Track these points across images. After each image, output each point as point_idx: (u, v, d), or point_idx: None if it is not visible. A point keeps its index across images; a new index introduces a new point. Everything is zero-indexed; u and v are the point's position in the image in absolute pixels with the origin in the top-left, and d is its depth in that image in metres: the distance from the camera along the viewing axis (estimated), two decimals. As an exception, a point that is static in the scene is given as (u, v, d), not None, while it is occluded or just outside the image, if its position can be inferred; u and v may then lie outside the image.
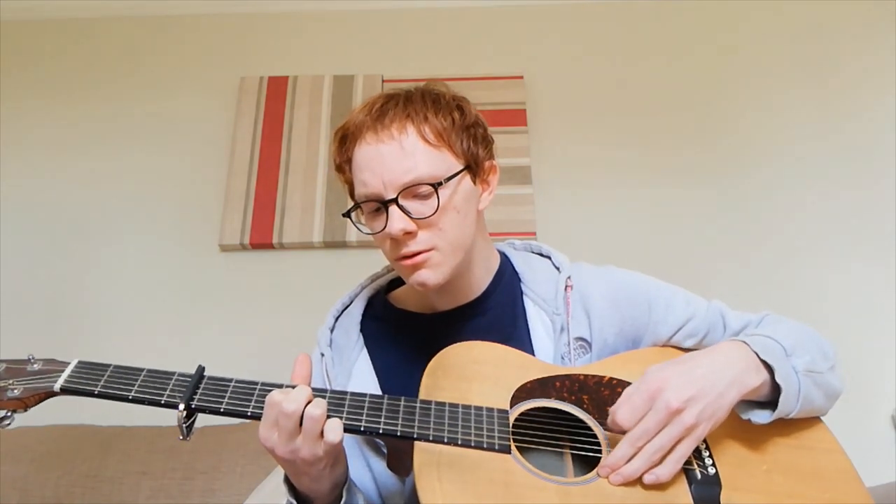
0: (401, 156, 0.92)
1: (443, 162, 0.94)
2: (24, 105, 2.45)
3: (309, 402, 0.81)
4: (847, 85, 2.44)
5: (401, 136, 0.92)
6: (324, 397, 0.85)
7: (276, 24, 2.60)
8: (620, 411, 0.85)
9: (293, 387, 0.83)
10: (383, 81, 2.45)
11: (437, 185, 0.91)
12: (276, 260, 2.22)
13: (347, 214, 0.99)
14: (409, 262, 0.95)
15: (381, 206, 0.93)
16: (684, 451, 0.84)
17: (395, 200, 0.92)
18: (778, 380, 0.89)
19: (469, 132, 0.98)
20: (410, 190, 0.92)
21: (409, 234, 0.93)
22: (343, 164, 0.99)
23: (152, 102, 2.45)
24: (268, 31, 2.59)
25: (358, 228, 1.00)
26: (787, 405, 0.90)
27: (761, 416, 0.91)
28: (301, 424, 0.80)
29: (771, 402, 0.92)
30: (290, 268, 2.20)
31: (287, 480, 0.90)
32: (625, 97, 2.45)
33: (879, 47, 2.48)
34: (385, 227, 0.92)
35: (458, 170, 0.95)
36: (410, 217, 0.92)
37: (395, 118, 0.93)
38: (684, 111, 2.42)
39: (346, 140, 0.98)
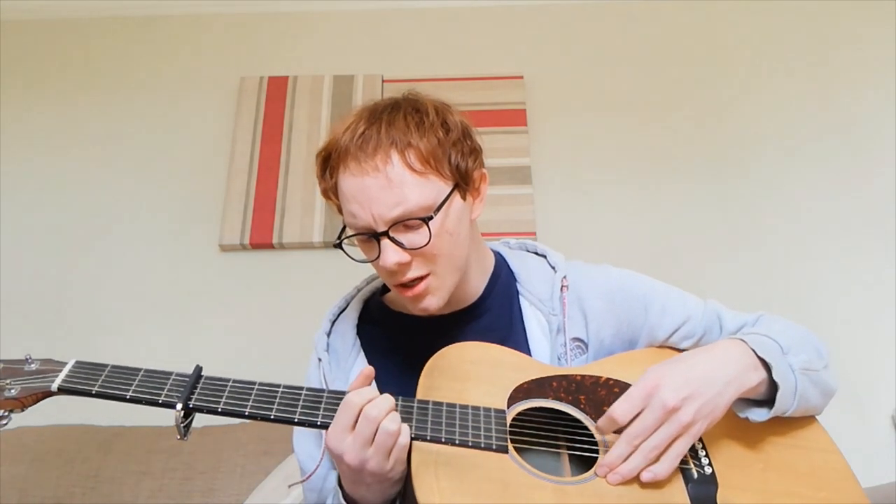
0: (387, 189, 0.88)
1: (431, 189, 0.90)
2: (24, 105, 2.45)
3: (390, 412, 0.81)
4: (847, 83, 2.43)
5: (386, 168, 0.88)
6: (321, 397, 0.85)
7: (276, 24, 2.60)
8: (617, 408, 0.85)
9: (340, 393, 0.84)
10: (383, 81, 2.45)
11: (427, 219, 0.89)
12: (276, 260, 2.22)
13: (339, 245, 0.97)
14: (409, 292, 0.94)
15: (373, 237, 0.92)
16: (681, 448, 0.84)
17: (386, 234, 0.90)
18: (775, 377, 0.90)
19: (456, 148, 0.94)
20: (399, 223, 0.90)
21: (406, 264, 0.91)
22: (328, 191, 0.97)
23: (152, 102, 2.45)
24: (268, 31, 2.59)
25: (351, 258, 0.97)
26: (784, 403, 0.90)
27: (758, 414, 0.92)
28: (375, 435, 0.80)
29: (768, 401, 0.92)
30: (290, 268, 2.20)
31: (339, 482, 0.90)
32: (624, 97, 2.44)
33: (879, 47, 2.48)
34: (378, 257, 0.92)
35: (447, 193, 0.92)
36: (403, 248, 0.90)
37: (378, 146, 0.89)
38: (684, 111, 2.41)
39: (328, 163, 0.95)
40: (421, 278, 0.93)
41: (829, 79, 2.45)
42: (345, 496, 0.90)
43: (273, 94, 2.43)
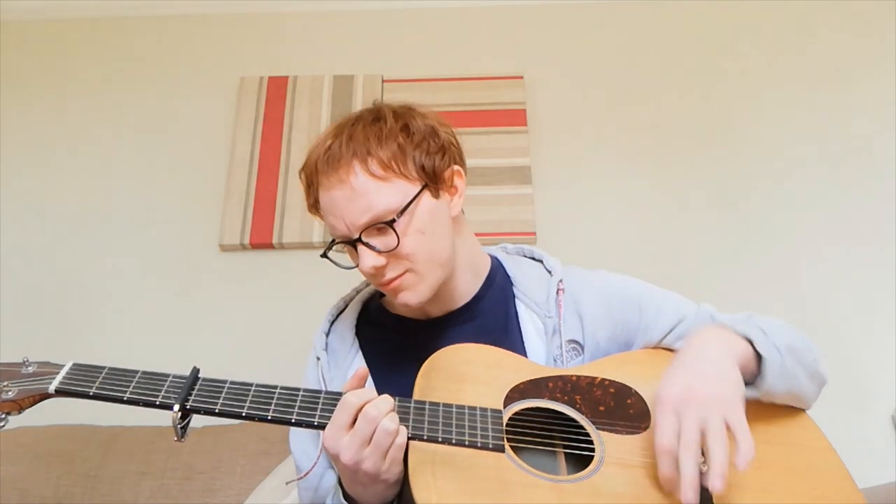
0: (353, 198, 0.93)
1: (396, 192, 0.94)
2: (24, 105, 2.45)
3: (389, 413, 0.83)
4: (845, 84, 2.43)
5: (350, 178, 0.93)
6: (318, 398, 0.85)
7: (276, 24, 2.60)
8: (658, 438, 0.83)
9: (337, 394, 0.85)
10: (383, 81, 2.45)
11: (390, 222, 0.93)
12: (276, 260, 2.21)
13: (325, 255, 1.01)
14: (388, 287, 0.98)
15: (351, 245, 0.96)
16: (737, 419, 0.82)
17: (359, 240, 0.94)
18: (758, 349, 0.91)
19: (420, 148, 0.97)
20: (371, 228, 0.93)
21: (382, 267, 0.95)
22: (312, 207, 1.02)
23: (152, 102, 2.45)
24: (268, 31, 2.59)
25: (336, 265, 1.01)
26: (773, 377, 0.91)
27: (749, 392, 0.91)
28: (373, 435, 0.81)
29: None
30: (290, 268, 2.20)
31: (339, 481, 0.92)
32: (624, 97, 2.44)
33: (879, 47, 2.47)
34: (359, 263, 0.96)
35: (413, 194, 0.95)
36: (378, 252, 0.94)
37: (341, 160, 0.94)
38: (684, 111, 2.41)
39: (308, 183, 1.00)
40: (399, 276, 0.96)
41: (832, 80, 2.44)
42: (344, 495, 0.91)
43: (273, 94, 2.43)
